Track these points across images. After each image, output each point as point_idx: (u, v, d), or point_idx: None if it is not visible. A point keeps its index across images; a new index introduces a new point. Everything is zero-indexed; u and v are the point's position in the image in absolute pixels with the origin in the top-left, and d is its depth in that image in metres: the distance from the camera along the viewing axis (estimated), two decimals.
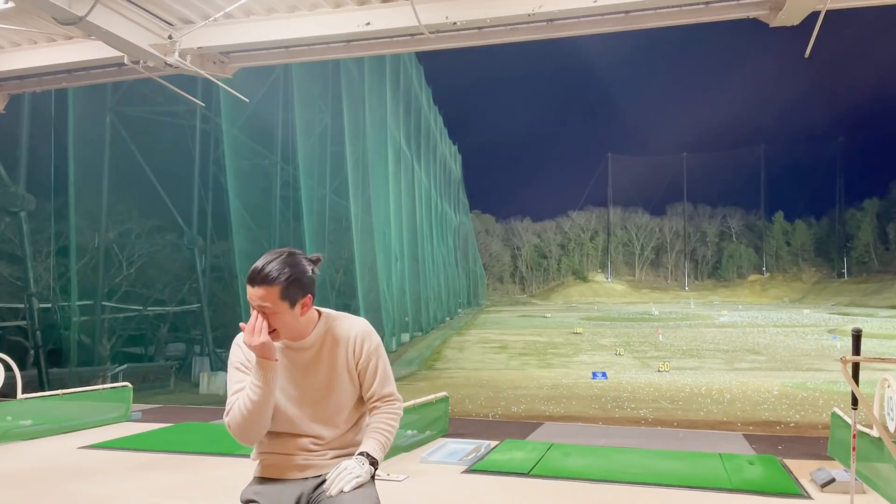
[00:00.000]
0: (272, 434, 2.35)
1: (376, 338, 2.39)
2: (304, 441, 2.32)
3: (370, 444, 2.31)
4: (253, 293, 2.15)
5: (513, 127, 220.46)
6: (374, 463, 2.26)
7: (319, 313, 2.35)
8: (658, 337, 44.04)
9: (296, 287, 2.18)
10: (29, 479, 5.21)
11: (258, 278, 2.14)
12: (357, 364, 2.35)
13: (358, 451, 2.28)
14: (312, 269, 2.25)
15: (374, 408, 2.40)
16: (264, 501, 2.23)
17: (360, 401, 2.42)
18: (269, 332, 2.18)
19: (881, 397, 4.38)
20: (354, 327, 2.36)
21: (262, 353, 2.13)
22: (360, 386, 2.39)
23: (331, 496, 2.17)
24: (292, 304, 2.18)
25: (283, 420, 2.31)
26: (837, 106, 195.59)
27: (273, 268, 2.15)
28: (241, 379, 2.27)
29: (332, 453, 2.34)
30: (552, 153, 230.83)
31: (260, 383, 2.15)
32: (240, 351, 2.31)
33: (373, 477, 2.28)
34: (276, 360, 2.17)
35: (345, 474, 2.20)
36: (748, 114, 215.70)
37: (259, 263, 2.17)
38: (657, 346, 39.87)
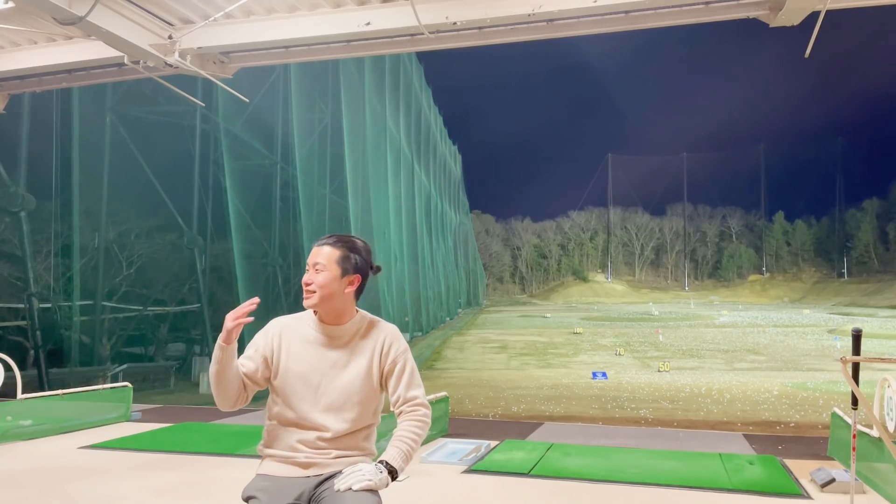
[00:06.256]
0: (278, 425, 2.38)
1: (405, 343, 2.49)
2: (310, 435, 2.33)
3: (390, 452, 2.31)
4: (316, 251, 2.40)
5: (513, 127, 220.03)
6: (392, 471, 2.27)
7: (358, 312, 2.48)
8: (658, 337, 44.03)
9: (352, 262, 2.39)
10: (29, 479, 5.20)
11: (327, 240, 2.43)
12: (384, 366, 2.41)
13: (378, 459, 2.30)
14: (371, 265, 2.46)
15: (401, 413, 2.42)
16: (265, 498, 2.25)
17: (376, 409, 2.45)
18: (308, 292, 2.35)
19: (881, 397, 4.38)
20: (386, 329, 2.48)
21: (226, 336, 2.23)
22: (386, 389, 2.43)
23: (338, 490, 2.19)
24: (343, 273, 2.37)
25: (295, 403, 2.35)
26: (837, 106, 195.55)
27: (342, 238, 2.44)
28: (247, 357, 2.42)
29: (335, 453, 2.35)
30: (552, 153, 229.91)
31: (215, 361, 2.28)
32: (261, 336, 2.45)
33: None
34: (230, 346, 2.26)
35: (358, 475, 2.21)
36: (748, 114, 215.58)
37: (332, 234, 2.48)
38: (657, 346, 39.85)
